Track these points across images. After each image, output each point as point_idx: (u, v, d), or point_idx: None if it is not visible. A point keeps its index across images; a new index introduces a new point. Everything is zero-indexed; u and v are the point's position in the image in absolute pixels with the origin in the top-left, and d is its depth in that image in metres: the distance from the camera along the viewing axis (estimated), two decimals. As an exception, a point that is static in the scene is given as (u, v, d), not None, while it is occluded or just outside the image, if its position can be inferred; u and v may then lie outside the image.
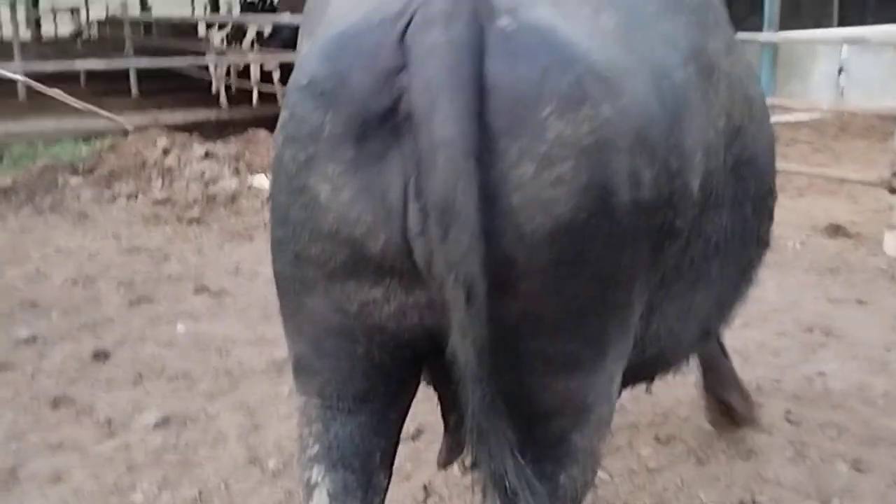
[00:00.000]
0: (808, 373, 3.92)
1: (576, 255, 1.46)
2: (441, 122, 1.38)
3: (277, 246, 1.63)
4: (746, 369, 3.66)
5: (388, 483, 1.81)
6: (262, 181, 7.24)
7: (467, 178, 1.36)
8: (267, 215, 6.86)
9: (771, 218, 2.25)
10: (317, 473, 1.74)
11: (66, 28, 27.17)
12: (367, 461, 1.74)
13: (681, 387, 3.78)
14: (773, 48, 10.62)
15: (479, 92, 1.40)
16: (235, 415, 3.61)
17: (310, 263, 1.55)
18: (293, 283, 1.62)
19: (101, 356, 4.15)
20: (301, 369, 1.75)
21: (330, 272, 1.53)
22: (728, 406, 3.29)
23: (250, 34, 12.83)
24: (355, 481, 1.73)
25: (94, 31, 24.40)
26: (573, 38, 1.46)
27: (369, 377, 1.66)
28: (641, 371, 2.06)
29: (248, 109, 11.11)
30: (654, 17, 1.68)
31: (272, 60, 10.68)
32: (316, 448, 1.74)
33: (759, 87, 2.09)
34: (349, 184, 1.46)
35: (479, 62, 1.41)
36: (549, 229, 1.42)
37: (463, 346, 1.43)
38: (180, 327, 4.56)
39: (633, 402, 3.57)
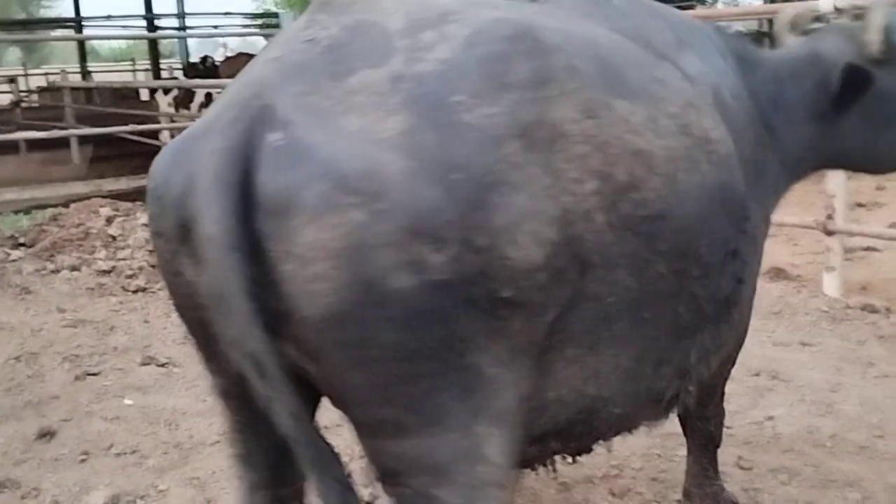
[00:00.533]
0: (757, 418, 3.97)
1: (358, 336, 1.64)
2: (208, 221, 1.60)
3: (175, 305, 1.98)
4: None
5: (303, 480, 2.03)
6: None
7: (231, 270, 1.57)
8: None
9: (729, 266, 2.20)
10: (239, 470, 2.11)
11: (4, 97, 26.91)
12: (271, 464, 2.06)
13: (634, 438, 3.83)
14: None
15: (245, 196, 1.61)
16: (186, 489, 3.53)
17: (191, 323, 1.92)
18: (189, 329, 1.98)
19: (46, 435, 4.03)
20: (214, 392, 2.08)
21: (204, 334, 1.82)
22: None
23: (199, 97, 12.82)
24: (263, 480, 2.09)
25: (35, 99, 24.17)
26: (331, 153, 1.62)
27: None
28: (579, 434, 2.12)
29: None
30: (461, 106, 1.72)
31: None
32: (234, 451, 2.12)
33: (678, 139, 2.04)
34: (197, 272, 1.70)
35: (245, 169, 1.62)
36: (323, 316, 1.61)
37: (272, 413, 1.63)
38: (128, 401, 4.46)
39: (588, 456, 3.57)
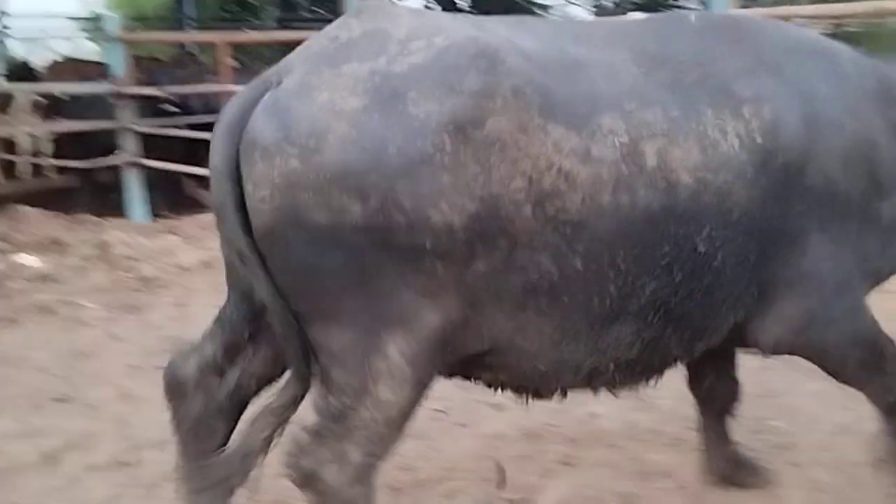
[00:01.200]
0: (582, 415, 4.11)
1: (283, 248, 2.29)
2: (215, 155, 2.35)
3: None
4: (525, 417, 3.81)
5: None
6: (30, 260, 6.81)
7: (227, 191, 2.32)
8: (36, 296, 6.43)
9: (661, 276, 2.53)
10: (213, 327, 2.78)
11: None
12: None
13: (467, 439, 3.94)
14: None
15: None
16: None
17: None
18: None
19: None
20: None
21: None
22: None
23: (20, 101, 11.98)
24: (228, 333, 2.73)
25: None
26: (294, 115, 2.25)
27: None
28: (513, 369, 2.63)
29: (11, 184, 10.37)
30: (412, 100, 2.24)
31: (42, 131, 10.04)
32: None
33: (613, 167, 2.40)
34: None
35: (245, 118, 2.32)
36: (263, 228, 2.29)
37: (258, 291, 2.37)
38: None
39: (421, 460, 3.65)
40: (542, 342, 2.53)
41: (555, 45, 2.55)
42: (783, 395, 4.32)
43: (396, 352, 2.38)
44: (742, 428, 3.68)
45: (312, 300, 2.36)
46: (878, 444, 3.14)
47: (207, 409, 2.73)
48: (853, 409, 3.69)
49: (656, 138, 2.46)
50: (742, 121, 2.58)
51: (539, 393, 2.81)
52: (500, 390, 2.80)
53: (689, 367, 3.39)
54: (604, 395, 4.13)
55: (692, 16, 2.88)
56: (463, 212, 2.29)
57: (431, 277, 2.34)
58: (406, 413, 2.46)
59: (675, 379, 4.37)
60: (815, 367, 3.01)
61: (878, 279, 2.98)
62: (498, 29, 2.51)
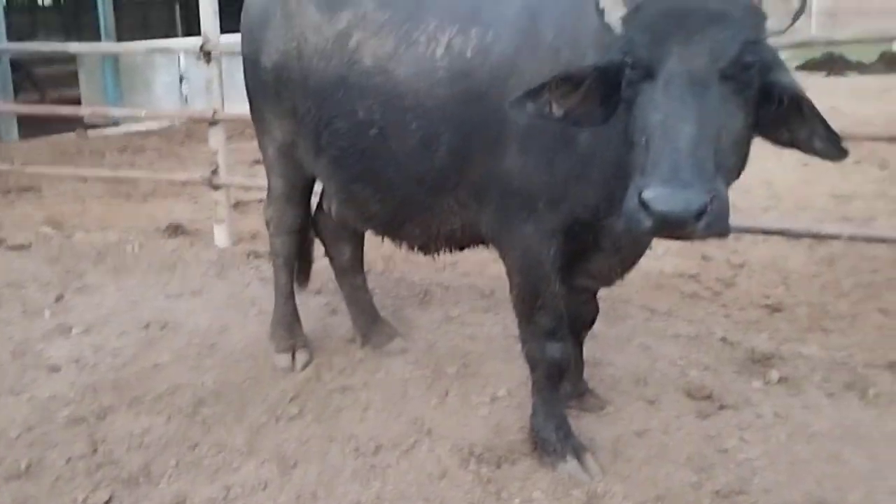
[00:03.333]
0: (146, 365, 4.36)
1: (248, 78, 4.08)
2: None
3: None
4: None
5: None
6: None
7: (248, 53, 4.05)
8: None
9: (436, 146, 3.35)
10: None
11: None
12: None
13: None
14: (114, 59, 12.43)
15: None
16: None
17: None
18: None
19: None
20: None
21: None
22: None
23: None
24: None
25: None
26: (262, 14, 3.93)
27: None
28: (363, 192, 3.70)
29: None
30: None
31: None
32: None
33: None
34: None
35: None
36: (245, 67, 4.09)
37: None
38: None
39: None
40: (367, 184, 3.59)
41: None
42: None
43: (271, 152, 4.12)
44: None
45: (256, 116, 4.11)
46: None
47: None
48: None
49: (365, 30, 3.41)
50: (462, 38, 3.16)
51: (386, 224, 3.79)
52: None
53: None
54: (169, 343, 4.63)
55: None
56: (270, 57, 3.81)
57: (277, 105, 3.87)
58: (285, 190, 4.20)
59: (242, 322, 4.84)
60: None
61: (572, 212, 3.06)
62: None
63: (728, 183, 2.50)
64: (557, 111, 2.68)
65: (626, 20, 2.55)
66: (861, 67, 17.47)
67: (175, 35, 19.43)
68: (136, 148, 10.93)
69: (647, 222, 2.29)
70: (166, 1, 22.52)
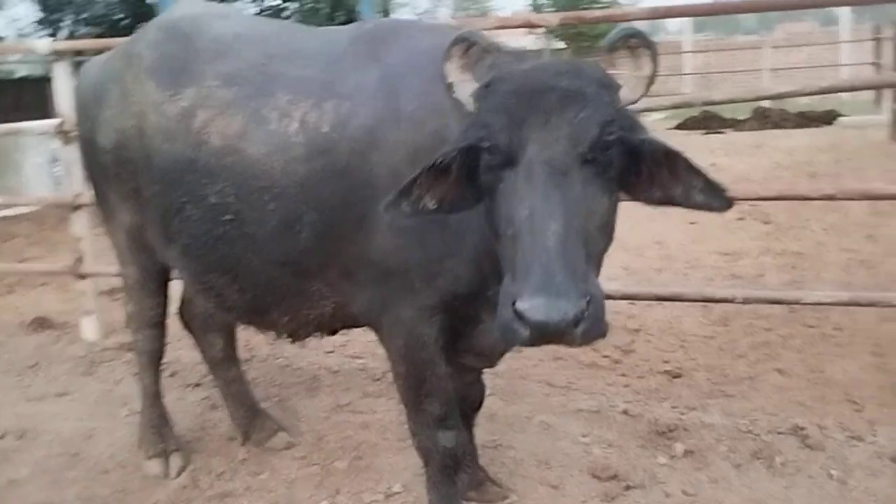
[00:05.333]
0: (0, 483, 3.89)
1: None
2: None
3: None
4: None
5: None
6: None
7: None
8: None
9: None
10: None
11: None
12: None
13: None
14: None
15: None
16: None
17: None
18: None
19: None
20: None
21: None
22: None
23: None
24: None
25: None
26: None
27: None
28: (220, 270, 3.31)
29: None
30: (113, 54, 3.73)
31: None
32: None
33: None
34: None
35: None
36: None
37: None
38: None
39: None
40: (224, 260, 3.24)
41: (223, 30, 3.34)
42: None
43: (120, 238, 3.72)
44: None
45: (99, 199, 3.82)
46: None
47: None
48: None
49: (211, 108, 3.14)
50: (317, 111, 2.97)
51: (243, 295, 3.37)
52: None
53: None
54: (29, 456, 4.13)
55: (364, 23, 3.37)
56: (109, 138, 3.49)
57: (117, 186, 3.54)
58: (139, 279, 3.81)
59: (111, 426, 4.44)
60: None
61: (450, 288, 2.90)
62: (216, 21, 3.44)
63: (599, 266, 2.41)
64: (431, 203, 2.51)
65: (478, 98, 2.41)
66: (736, 124, 18.19)
67: (52, 116, 18.77)
68: (4, 235, 10.31)
69: (524, 333, 2.14)
70: (39, 80, 21.78)
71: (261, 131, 3.02)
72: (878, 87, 15.92)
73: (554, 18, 4.54)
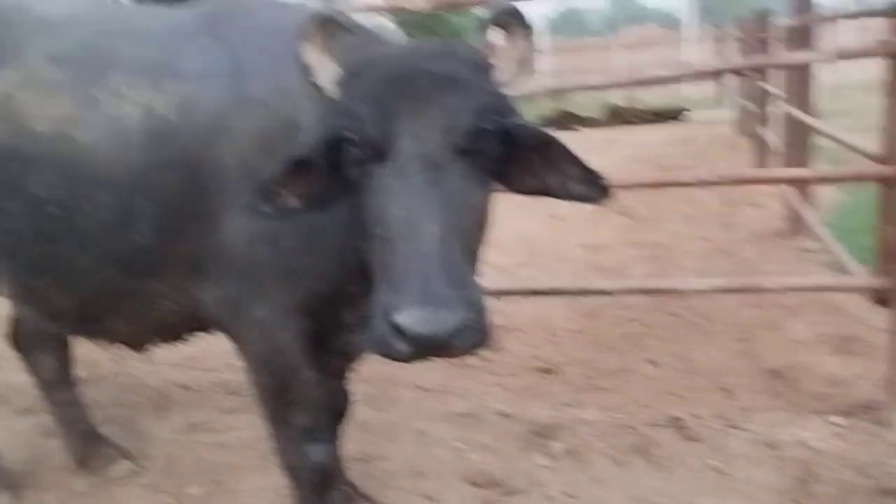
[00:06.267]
0: None
1: None
2: None
3: None
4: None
5: None
6: None
7: None
8: None
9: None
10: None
11: None
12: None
13: None
14: None
15: None
16: None
17: None
18: None
19: None
20: None
21: None
22: None
23: None
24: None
25: None
26: None
27: None
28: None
29: None
30: None
31: None
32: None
33: None
34: None
35: None
36: None
37: None
38: None
39: None
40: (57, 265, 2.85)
41: (50, 9, 2.90)
42: None
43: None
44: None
45: None
46: None
47: None
48: None
49: (34, 91, 2.72)
50: (156, 93, 2.63)
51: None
52: None
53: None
54: None
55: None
56: None
57: None
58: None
59: None
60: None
61: (308, 287, 2.66)
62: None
63: (477, 264, 2.22)
64: (294, 202, 2.25)
65: (343, 85, 2.16)
66: (590, 121, 18.58)
67: None
68: None
69: (404, 348, 1.90)
70: None
71: (92, 116, 2.65)
72: (719, 73, 16.60)
73: (426, 3, 4.30)
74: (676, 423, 4.02)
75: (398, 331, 1.88)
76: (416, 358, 1.94)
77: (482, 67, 2.16)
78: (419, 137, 2.03)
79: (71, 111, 2.66)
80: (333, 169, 2.19)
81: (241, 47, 2.66)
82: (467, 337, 1.90)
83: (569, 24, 71.27)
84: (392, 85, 2.07)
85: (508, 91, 2.20)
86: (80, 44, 2.77)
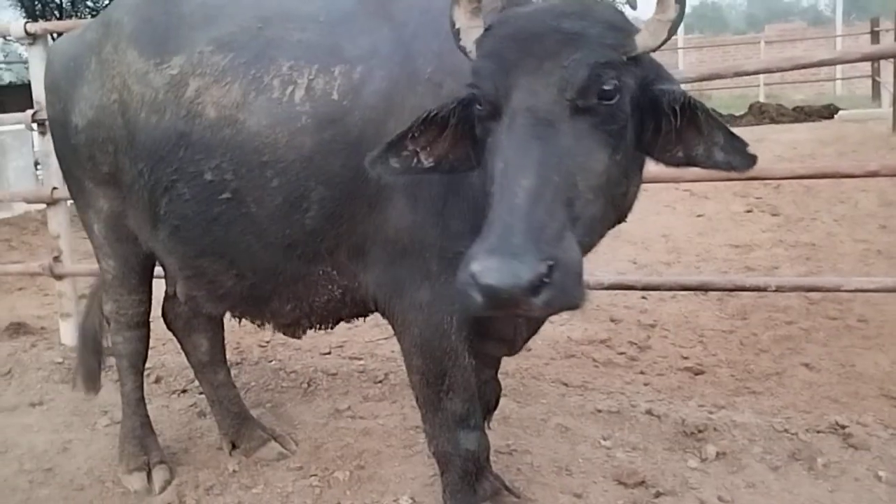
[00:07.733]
0: None
1: None
2: None
3: None
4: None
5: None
6: None
7: None
8: None
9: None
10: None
11: None
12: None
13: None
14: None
15: None
16: None
17: None
18: None
19: None
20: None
21: None
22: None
23: None
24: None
25: None
26: None
27: None
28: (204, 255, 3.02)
29: None
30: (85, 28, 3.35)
31: None
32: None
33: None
34: None
35: None
36: None
37: None
38: None
39: None
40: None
41: None
42: None
43: (97, 228, 3.36)
44: None
45: (70, 186, 3.46)
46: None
47: None
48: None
49: (204, 77, 2.80)
50: (325, 77, 2.65)
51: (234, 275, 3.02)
52: None
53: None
54: None
55: None
56: (83, 116, 3.13)
57: (92, 170, 3.19)
58: (119, 273, 3.43)
59: (88, 437, 4.04)
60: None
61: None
62: None
63: (596, 235, 2.16)
64: (426, 161, 2.25)
65: (478, 44, 2.15)
66: (733, 120, 17.96)
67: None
68: (-10, 240, 9.87)
69: (478, 298, 1.83)
70: (23, 86, 21.45)
71: (261, 101, 2.70)
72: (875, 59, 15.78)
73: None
74: (840, 431, 3.76)
75: (474, 279, 1.82)
76: (490, 310, 1.87)
77: (619, 28, 2.08)
78: (532, 92, 1.99)
79: (240, 97, 2.72)
80: (469, 132, 2.17)
81: (407, 27, 2.65)
82: (544, 294, 1.80)
83: (705, 21, 69.08)
84: (515, 42, 2.04)
85: (651, 55, 2.12)
86: (244, 29, 2.82)
